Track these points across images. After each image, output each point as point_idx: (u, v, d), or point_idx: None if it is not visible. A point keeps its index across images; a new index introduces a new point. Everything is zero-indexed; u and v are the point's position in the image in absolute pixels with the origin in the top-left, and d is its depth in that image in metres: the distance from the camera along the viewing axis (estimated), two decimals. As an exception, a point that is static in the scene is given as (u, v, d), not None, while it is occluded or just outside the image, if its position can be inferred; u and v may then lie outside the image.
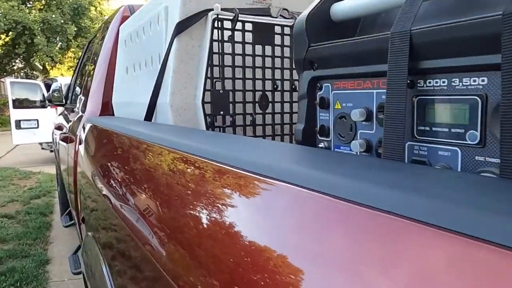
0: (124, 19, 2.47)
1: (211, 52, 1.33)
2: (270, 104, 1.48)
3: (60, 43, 19.62)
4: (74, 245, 4.70)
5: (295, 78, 1.52)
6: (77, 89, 3.90)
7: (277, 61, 1.48)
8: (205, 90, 1.33)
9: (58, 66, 22.87)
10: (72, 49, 20.23)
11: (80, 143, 2.28)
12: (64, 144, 2.86)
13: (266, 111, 1.48)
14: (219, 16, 1.32)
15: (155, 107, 1.53)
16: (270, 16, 1.44)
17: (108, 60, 2.41)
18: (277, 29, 1.47)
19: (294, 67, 1.50)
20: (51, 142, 10.41)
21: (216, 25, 1.33)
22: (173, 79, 1.31)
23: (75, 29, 18.66)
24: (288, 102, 1.52)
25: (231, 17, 1.34)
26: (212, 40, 1.33)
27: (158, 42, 1.51)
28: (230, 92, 1.37)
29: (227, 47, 1.37)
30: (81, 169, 2.19)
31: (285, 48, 1.49)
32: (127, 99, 2.05)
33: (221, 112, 1.36)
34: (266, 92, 1.47)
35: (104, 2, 22.10)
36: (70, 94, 4.58)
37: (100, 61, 2.45)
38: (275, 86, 1.48)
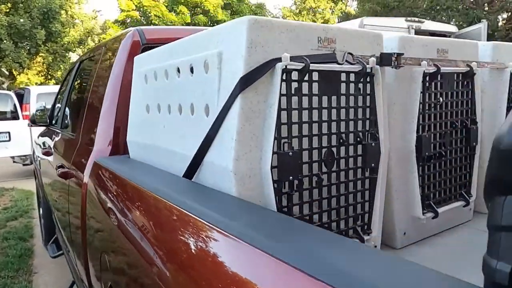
0: (134, 45, 2.25)
1: (279, 109, 1.14)
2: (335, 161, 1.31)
3: (29, 48, 18.70)
4: (60, 275, 4.35)
5: (359, 129, 1.36)
6: (67, 110, 3.59)
7: (342, 112, 1.31)
8: (273, 153, 1.14)
9: (25, 72, 21.85)
10: (41, 54, 19.36)
11: (90, 188, 2.03)
12: (62, 180, 2.57)
13: (332, 169, 1.30)
14: (288, 67, 1.14)
15: (201, 164, 1.33)
16: (337, 62, 1.26)
17: (119, 93, 2.17)
18: (342, 76, 1.30)
19: (360, 117, 1.34)
20: (24, 156, 9.84)
21: (283, 77, 1.14)
22: (237, 142, 1.12)
23: (45, 33, 17.83)
24: (353, 156, 1.35)
25: (301, 67, 1.16)
26: (280, 95, 1.14)
27: (204, 90, 1.31)
28: (298, 153, 1.19)
29: (294, 101, 1.19)
30: (96, 220, 1.95)
31: (350, 97, 1.32)
32: (147, 141, 1.83)
33: (290, 177, 1.17)
34: (332, 148, 1.30)
35: (75, 5, 21.29)
36: (55, 115, 4.25)
37: (108, 92, 2.21)
38: (341, 141, 1.31)
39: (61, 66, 20.59)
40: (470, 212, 1.90)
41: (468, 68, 1.70)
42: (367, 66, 1.31)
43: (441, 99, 1.64)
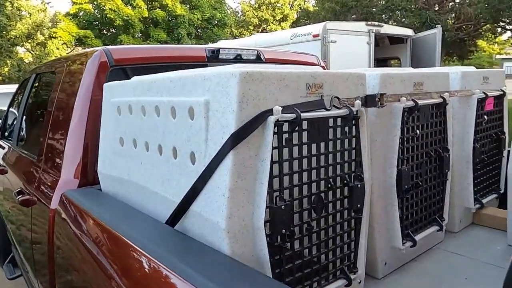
0: (102, 66, 2.13)
1: (271, 162, 1.12)
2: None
3: (-30, 43, 17.36)
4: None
5: (345, 172, 1.36)
6: (23, 125, 3.36)
7: (330, 157, 1.31)
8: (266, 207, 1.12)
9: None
10: (-16, 49, 18.03)
11: (58, 223, 1.91)
12: (24, 208, 2.40)
13: (321, 215, 1.30)
14: (279, 120, 1.11)
15: (186, 211, 1.28)
16: (325, 108, 1.26)
17: (86, 119, 2.04)
18: (330, 121, 1.30)
19: (346, 159, 1.35)
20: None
21: (275, 130, 1.12)
22: (230, 200, 1.08)
23: (-12, 27, 16.61)
24: (340, 199, 1.36)
25: (292, 118, 1.14)
26: (272, 148, 1.11)
27: (189, 136, 1.25)
28: (290, 205, 1.17)
29: (285, 153, 1.17)
30: (63, 251, 1.83)
31: (337, 141, 1.32)
32: (122, 175, 1.74)
33: (283, 230, 1.15)
34: (321, 194, 1.29)
35: (22, -3, 19.97)
36: (8, 127, 3.97)
37: (75, 118, 2.07)
38: (329, 185, 1.31)
39: (7, 62, 19.27)
40: (442, 234, 1.98)
41: (442, 100, 1.75)
42: (353, 109, 1.31)
43: (418, 131, 1.68)
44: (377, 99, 1.42)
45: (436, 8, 15.40)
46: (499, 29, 18.56)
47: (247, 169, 1.11)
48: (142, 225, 1.41)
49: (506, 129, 2.32)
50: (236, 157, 1.08)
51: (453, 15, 16.19)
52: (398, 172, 1.58)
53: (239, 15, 37.41)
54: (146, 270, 1.14)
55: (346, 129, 1.34)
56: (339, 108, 1.30)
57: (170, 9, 22.37)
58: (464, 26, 16.56)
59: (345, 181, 1.35)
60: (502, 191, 2.34)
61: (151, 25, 23.05)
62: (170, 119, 1.36)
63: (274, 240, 1.16)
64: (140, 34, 23.02)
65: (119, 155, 1.77)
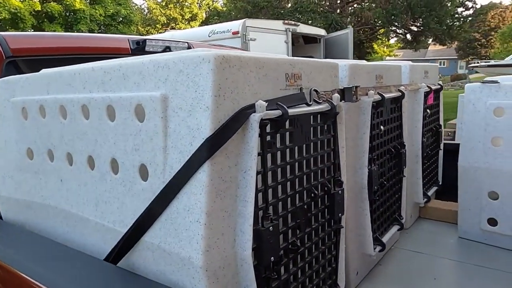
0: (-7, 59, 1.65)
1: (256, 173, 0.87)
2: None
3: None
4: None
5: (326, 177, 1.17)
6: None
7: (311, 161, 1.10)
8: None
9: None
10: None
11: None
12: None
13: (306, 231, 1.09)
14: (264, 118, 0.87)
15: (136, 243, 0.97)
16: (307, 103, 1.04)
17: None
18: (311, 119, 1.09)
19: (326, 163, 1.16)
20: None
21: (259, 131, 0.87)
22: (207, 227, 0.81)
23: None
24: (321, 210, 1.16)
25: (277, 116, 0.90)
26: (256, 155, 0.87)
27: (137, 144, 0.94)
28: (277, 225, 0.94)
29: (268, 160, 0.93)
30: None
31: (318, 142, 1.12)
32: (32, 198, 1.34)
33: (272, 258, 0.91)
34: (304, 206, 1.08)
35: None
36: None
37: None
38: (312, 195, 1.10)
39: None
40: (398, 232, 1.92)
41: (400, 93, 1.67)
42: (334, 104, 1.12)
43: (382, 127, 1.57)
44: (353, 92, 1.25)
45: (339, 12, 16.39)
46: (392, 33, 20.53)
47: (226, 184, 0.84)
48: (69, 265, 1.05)
49: (442, 122, 2.38)
50: (214, 168, 0.81)
51: (354, 18, 17.42)
52: (369, 172, 1.44)
53: (145, 13, 35.79)
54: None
55: (326, 127, 1.15)
56: (319, 103, 1.10)
57: (68, 3, 20.31)
58: (363, 29, 17.93)
59: (326, 188, 1.16)
60: (440, 183, 2.40)
61: (45, 19, 20.71)
62: (106, 122, 1.02)
63: (261, 272, 0.91)
64: (32, 30, 20.55)
65: (26, 172, 1.35)
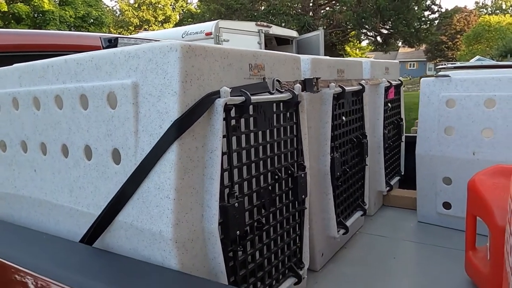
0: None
1: (222, 153, 0.95)
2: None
3: None
4: None
5: (289, 161, 1.26)
6: None
7: (275, 146, 1.19)
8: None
9: None
10: None
11: None
12: None
13: (270, 210, 1.17)
14: (228, 103, 0.95)
15: (110, 224, 1.03)
16: (269, 92, 1.13)
17: None
18: (274, 107, 1.18)
19: (289, 148, 1.25)
20: None
21: (223, 115, 0.95)
22: (176, 202, 0.88)
23: None
24: (285, 191, 1.25)
25: (241, 102, 0.99)
26: (222, 136, 0.95)
27: (109, 130, 1.00)
28: (242, 202, 1.02)
29: (233, 142, 1.01)
30: None
31: (281, 128, 1.21)
32: (5, 189, 1.36)
33: (238, 232, 0.99)
34: (269, 187, 1.16)
35: None
36: None
37: None
38: (276, 177, 1.19)
39: None
40: (363, 218, 2.04)
41: (361, 87, 1.79)
42: (296, 93, 1.21)
43: (344, 118, 1.68)
44: (314, 82, 1.35)
45: (311, 14, 16.70)
46: (363, 36, 21.05)
47: (194, 163, 0.92)
48: (46, 248, 1.09)
49: (403, 116, 2.53)
50: (182, 148, 0.88)
51: (326, 21, 17.78)
52: (331, 159, 1.55)
53: (117, 15, 35.22)
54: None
55: (288, 115, 1.24)
56: (281, 92, 1.19)
57: (36, 4, 19.77)
58: (335, 32, 18.32)
59: (289, 171, 1.25)
60: (403, 173, 2.55)
61: (12, 21, 20.08)
62: (80, 111, 1.08)
63: (227, 245, 0.99)
64: (-2, 31, 19.82)
65: (0, 164, 1.38)
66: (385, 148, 2.20)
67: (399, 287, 1.48)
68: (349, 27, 17.32)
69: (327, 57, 1.69)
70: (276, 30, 7.69)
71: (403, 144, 2.54)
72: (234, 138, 1.01)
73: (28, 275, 0.95)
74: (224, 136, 0.96)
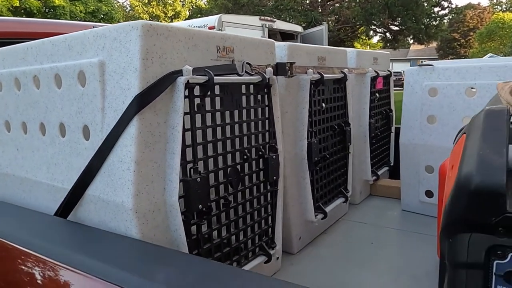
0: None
1: (183, 129, 0.99)
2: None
3: None
4: None
5: (260, 143, 1.30)
6: None
7: (244, 126, 1.23)
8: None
9: None
10: None
11: None
12: None
13: (238, 189, 1.21)
14: (190, 81, 0.99)
15: (81, 198, 1.08)
16: (237, 74, 1.17)
17: None
18: (243, 88, 1.21)
19: (260, 130, 1.28)
20: None
21: (185, 93, 0.99)
22: (137, 174, 0.92)
23: None
24: (255, 171, 1.29)
25: (204, 81, 1.03)
26: (184, 113, 0.99)
27: (80, 107, 1.05)
28: (206, 178, 1.06)
29: (197, 120, 1.05)
30: None
31: (251, 110, 1.25)
32: (-7, 167, 1.42)
33: (200, 206, 1.03)
34: (236, 166, 1.20)
35: None
36: None
37: None
38: (245, 157, 1.23)
39: None
40: (346, 206, 2.07)
41: (343, 75, 1.81)
42: (266, 76, 1.25)
43: (323, 105, 1.71)
44: (287, 67, 1.39)
45: (320, 10, 16.65)
46: (372, 32, 20.91)
47: (155, 138, 0.96)
48: (22, 221, 1.15)
49: (393, 107, 2.54)
50: (142, 123, 0.93)
51: (334, 17, 17.71)
52: (308, 144, 1.58)
53: (127, 10, 35.47)
54: (39, 276, 0.91)
55: (259, 97, 1.28)
56: (251, 75, 1.22)
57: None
58: (343, 28, 18.23)
59: (260, 153, 1.29)
60: (392, 164, 2.56)
61: (23, 16, 20.39)
62: (54, 90, 1.13)
63: (189, 218, 1.03)
64: (10, 26, 20.12)
65: (-13, 144, 1.44)
66: (372, 137, 2.21)
67: (374, 269, 1.51)
68: (357, 23, 17.20)
69: (307, 44, 1.72)
70: (280, 24, 7.70)
71: (392, 135, 2.55)
72: (199, 117, 1.05)
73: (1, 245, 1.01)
74: (186, 113, 1.00)
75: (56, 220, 1.11)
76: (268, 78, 1.26)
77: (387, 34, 20.85)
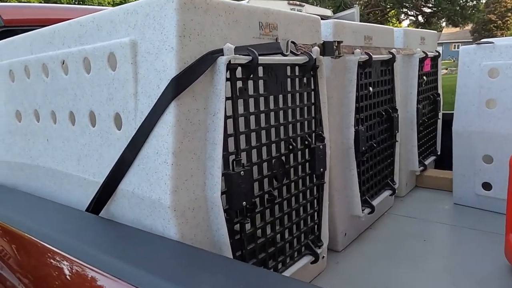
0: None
1: (225, 117, 0.87)
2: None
3: None
4: None
5: (306, 131, 1.17)
6: None
7: (289, 113, 1.10)
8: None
9: None
10: None
11: None
12: None
13: (283, 182, 1.09)
14: (232, 62, 0.87)
15: (114, 193, 0.99)
16: (282, 53, 1.04)
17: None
18: (288, 70, 1.08)
19: (306, 117, 1.15)
20: None
21: (227, 75, 0.87)
22: (175, 167, 0.82)
23: None
24: (301, 163, 1.16)
25: (247, 61, 0.90)
26: (225, 98, 0.87)
27: (111, 94, 0.95)
28: (249, 171, 0.94)
29: (240, 105, 0.93)
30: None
31: (296, 94, 1.11)
32: (22, 159, 1.37)
33: (244, 203, 0.92)
34: (281, 157, 1.08)
35: None
36: None
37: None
38: (290, 147, 1.10)
39: None
40: (392, 198, 1.92)
41: (391, 55, 1.65)
42: (313, 56, 1.11)
43: (370, 89, 1.55)
44: (334, 46, 1.24)
45: (348, -6, 16.07)
46: (403, 16, 20.10)
47: (194, 126, 0.85)
48: (54, 218, 1.07)
49: (440, 91, 2.34)
50: (180, 109, 0.81)
51: (363, 0, 17.09)
52: (355, 132, 1.43)
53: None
54: (69, 276, 0.83)
55: (305, 80, 1.14)
56: (296, 55, 1.09)
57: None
58: (373, 12, 17.59)
59: (306, 142, 1.16)
60: (439, 153, 2.37)
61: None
62: (83, 75, 1.04)
63: (233, 216, 0.92)
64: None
65: (16, 134, 1.38)
66: (419, 124, 2.04)
67: (429, 269, 1.36)
68: (388, 6, 16.55)
69: (353, 22, 1.56)
70: (309, 9, 7.42)
71: (439, 122, 2.35)
72: (241, 102, 0.93)
73: (30, 242, 0.93)
74: (228, 98, 0.89)
75: (88, 216, 1.03)
76: (315, 59, 1.13)
77: (419, 17, 19.99)
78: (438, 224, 1.74)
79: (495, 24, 35.76)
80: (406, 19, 23.37)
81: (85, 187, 1.11)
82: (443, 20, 20.07)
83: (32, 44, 1.24)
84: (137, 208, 0.93)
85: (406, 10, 18.13)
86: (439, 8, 15.28)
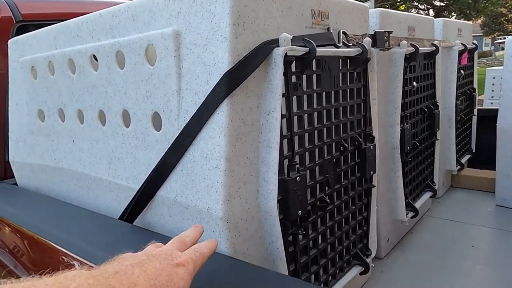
0: (5, 22, 1.59)
1: (281, 117, 0.77)
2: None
3: None
4: None
5: (356, 131, 1.07)
6: None
7: (340, 111, 1.00)
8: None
9: None
10: None
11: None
12: None
13: (335, 187, 0.99)
14: (288, 54, 0.77)
15: (151, 199, 0.89)
16: (335, 45, 0.93)
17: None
18: (340, 63, 0.98)
19: (356, 115, 1.05)
20: None
21: (284, 69, 0.77)
22: (227, 173, 0.72)
23: None
24: (351, 166, 1.06)
25: (303, 53, 0.80)
26: (281, 95, 0.77)
27: (149, 91, 0.86)
28: (304, 176, 0.84)
29: (294, 103, 0.83)
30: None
31: (347, 90, 1.01)
32: (45, 161, 1.28)
33: (299, 212, 0.82)
34: (333, 160, 0.98)
35: None
36: None
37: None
38: (342, 148, 1.00)
39: None
40: (430, 200, 1.81)
41: (434, 48, 1.53)
42: (367, 48, 1.00)
43: (414, 83, 1.44)
44: (385, 37, 1.13)
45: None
46: (414, 9, 19.78)
47: (247, 127, 0.75)
48: (83, 225, 0.99)
49: (476, 86, 2.21)
50: (233, 108, 0.72)
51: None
52: (401, 131, 1.33)
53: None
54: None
55: (355, 75, 1.04)
56: (348, 46, 0.98)
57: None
58: (383, 5, 17.33)
59: (356, 143, 1.06)
60: (473, 151, 2.25)
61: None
62: (116, 71, 0.94)
63: (288, 227, 0.82)
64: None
65: (39, 135, 1.30)
66: (457, 121, 1.92)
67: (479, 277, 1.26)
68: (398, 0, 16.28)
69: (397, 11, 1.45)
70: (322, 3, 7.29)
71: (474, 118, 2.23)
72: (294, 99, 0.83)
73: (59, 252, 0.85)
74: (283, 95, 0.79)
75: (122, 225, 0.94)
76: (368, 51, 1.02)
77: (430, 10, 19.69)
78: (483, 228, 1.63)
79: (506, 18, 35.09)
80: (416, 12, 23.05)
81: (116, 192, 1.03)
82: (453, 14, 19.73)
83: (57, 38, 1.15)
84: (179, 217, 0.84)
85: (417, 3, 17.84)
86: (452, 1, 14.98)
